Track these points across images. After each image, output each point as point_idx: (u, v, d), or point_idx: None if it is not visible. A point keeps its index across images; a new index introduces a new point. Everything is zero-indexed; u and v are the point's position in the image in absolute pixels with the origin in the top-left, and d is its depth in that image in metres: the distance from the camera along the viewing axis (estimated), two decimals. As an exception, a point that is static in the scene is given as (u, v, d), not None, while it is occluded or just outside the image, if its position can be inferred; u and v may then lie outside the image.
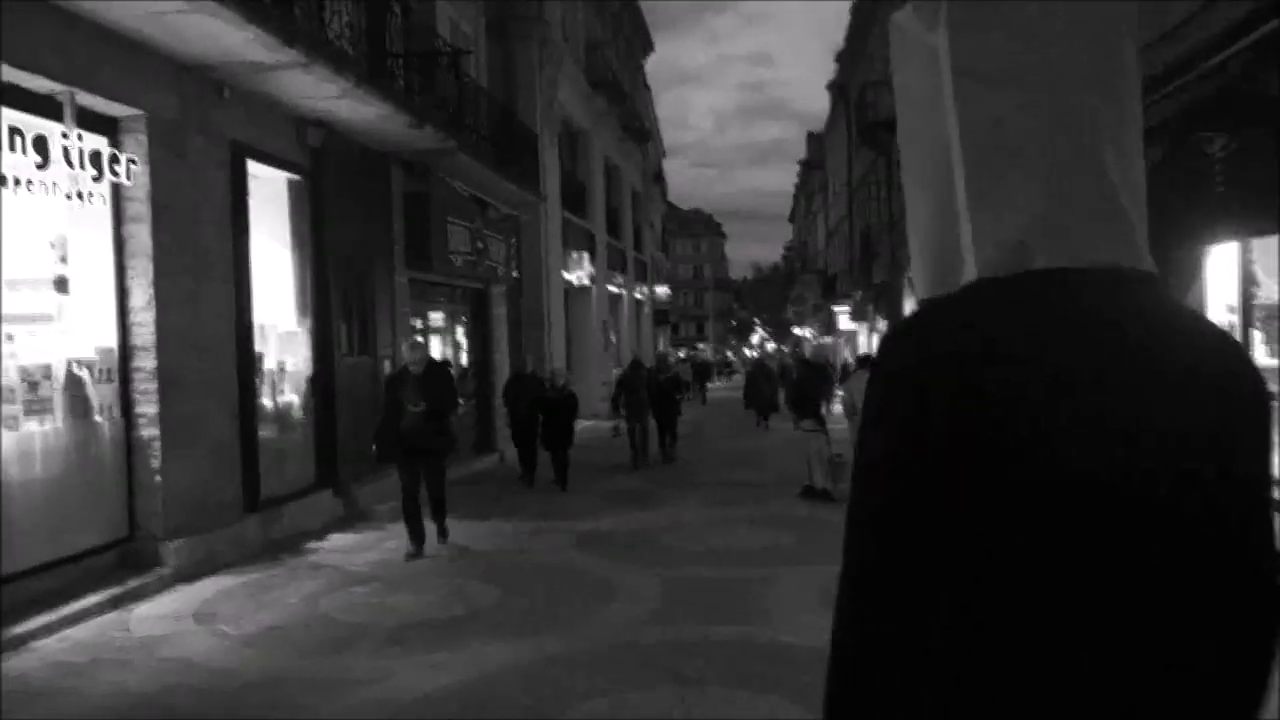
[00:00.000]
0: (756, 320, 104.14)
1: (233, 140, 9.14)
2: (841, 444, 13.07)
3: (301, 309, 10.64)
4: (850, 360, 36.51)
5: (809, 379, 12.51)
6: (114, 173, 7.50)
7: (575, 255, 24.85)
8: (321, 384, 10.70)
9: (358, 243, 11.68)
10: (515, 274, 17.47)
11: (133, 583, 7.50)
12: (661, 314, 43.31)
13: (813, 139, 63.92)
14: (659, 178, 49.44)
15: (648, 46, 40.76)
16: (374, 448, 9.14)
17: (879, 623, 1.07)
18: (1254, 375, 1.12)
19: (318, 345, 10.71)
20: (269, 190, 10.35)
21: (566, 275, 24.13)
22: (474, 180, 14.83)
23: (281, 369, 10.15)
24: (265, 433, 9.73)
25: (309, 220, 10.63)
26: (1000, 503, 1.00)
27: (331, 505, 10.61)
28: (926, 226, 1.23)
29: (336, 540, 9.83)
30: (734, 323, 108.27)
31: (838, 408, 17.82)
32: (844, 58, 41.79)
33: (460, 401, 10.28)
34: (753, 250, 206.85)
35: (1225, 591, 1.04)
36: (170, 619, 7.01)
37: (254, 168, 9.89)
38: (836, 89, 44.75)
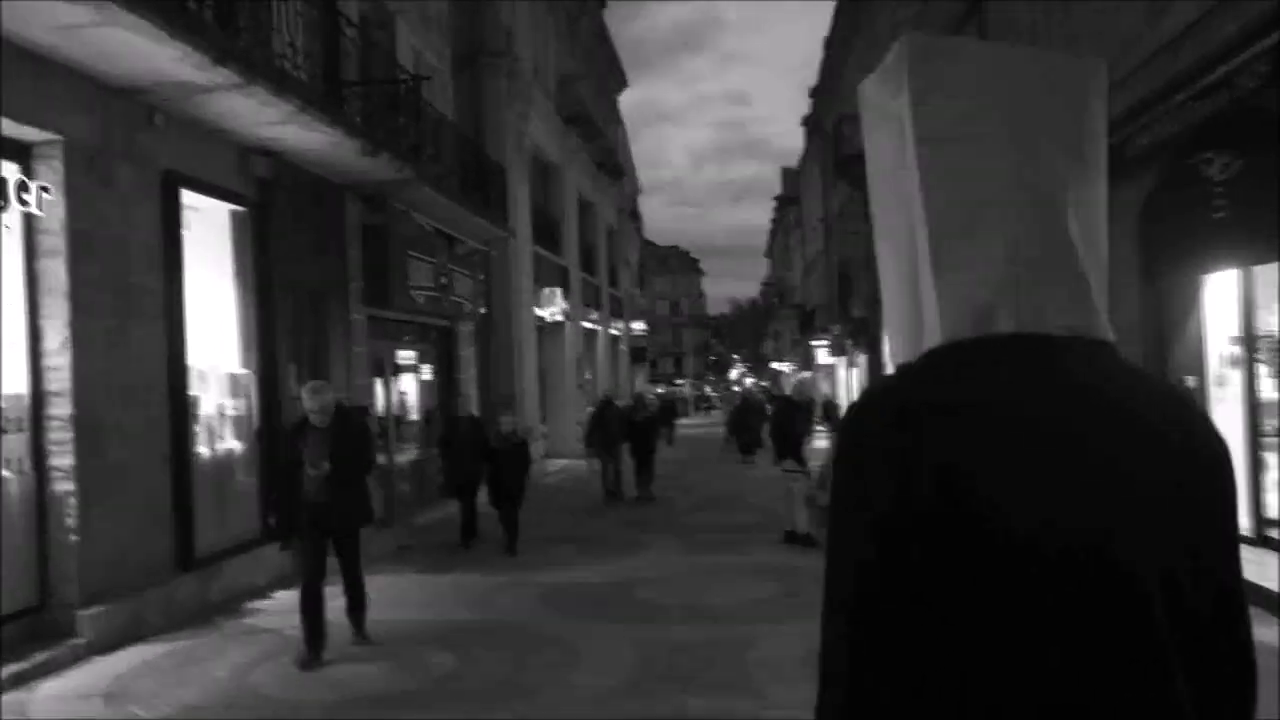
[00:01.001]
0: (736, 356, 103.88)
1: (166, 169, 8.47)
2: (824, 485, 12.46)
3: (246, 349, 9.92)
4: (830, 398, 36.07)
5: (790, 417, 11.86)
6: (22, 201, 6.81)
7: (547, 291, 24.24)
8: (268, 429, 9.96)
9: (310, 279, 11.01)
10: (484, 310, 16.80)
11: (40, 657, 6.71)
12: (638, 350, 42.70)
13: (788, 174, 64.00)
14: (634, 214, 49.07)
15: (621, 82, 40.51)
16: (267, 520, 7.13)
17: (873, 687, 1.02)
18: (1215, 437, 1.14)
19: (264, 388, 9.98)
20: (210, 222, 9.67)
21: (539, 311, 23.51)
22: (438, 214, 14.21)
23: (222, 414, 9.40)
24: (203, 483, 8.97)
25: (254, 255, 9.94)
26: (981, 567, 0.99)
27: (278, 560, 9.79)
28: (897, 291, 1.23)
29: (281, 599, 9.04)
30: (712, 358, 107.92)
31: (820, 442, 17.24)
32: (817, 92, 41.79)
33: (375, 461, 8.05)
34: (731, 287, 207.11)
35: (1208, 655, 1.06)
36: (76, 699, 6.22)
37: (193, 199, 9.22)
38: (811, 124, 44.70)
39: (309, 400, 7.12)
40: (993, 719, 0.97)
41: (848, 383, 34.09)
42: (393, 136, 11.48)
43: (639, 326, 42.18)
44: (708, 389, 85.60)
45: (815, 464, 12.13)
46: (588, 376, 28.38)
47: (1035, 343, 1.10)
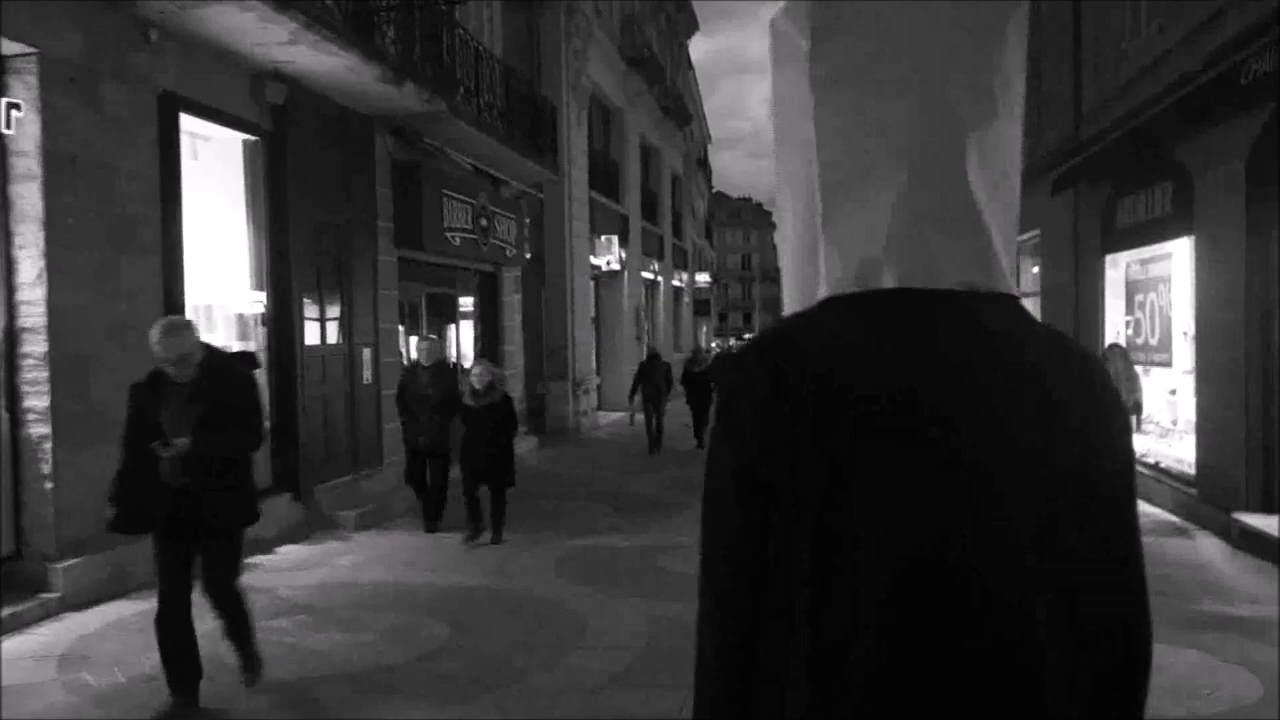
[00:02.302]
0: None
1: (163, 92, 7.85)
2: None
3: (258, 288, 9.36)
4: None
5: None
6: (-13, 118, 6.25)
7: (604, 239, 23.44)
8: (281, 373, 9.42)
9: (334, 216, 10.39)
10: (529, 255, 16.09)
11: (6, 611, 6.26)
12: (702, 304, 41.76)
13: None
14: (703, 163, 47.84)
15: (691, 26, 39.16)
16: (110, 510, 4.98)
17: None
18: (1111, 397, 1.11)
19: (277, 330, 9.43)
20: (221, 152, 9.10)
21: (594, 259, 22.75)
22: (478, 152, 13.49)
23: (227, 356, 8.85)
24: (204, 430, 8.45)
25: (268, 187, 9.33)
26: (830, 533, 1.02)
27: (289, 511, 9.33)
28: (794, 240, 1.22)
29: (285, 554, 8.56)
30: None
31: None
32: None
33: (261, 432, 5.19)
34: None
35: (1086, 595, 1.06)
36: (30, 661, 5.74)
37: (201, 126, 8.64)
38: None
39: (159, 344, 4.83)
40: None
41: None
42: (421, 65, 10.72)
43: (703, 279, 41.18)
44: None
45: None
46: (645, 328, 27.57)
47: (913, 298, 1.08)
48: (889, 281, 1.09)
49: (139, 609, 6.80)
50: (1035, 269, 17.56)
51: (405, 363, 11.48)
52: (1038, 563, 1.02)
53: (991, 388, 1.05)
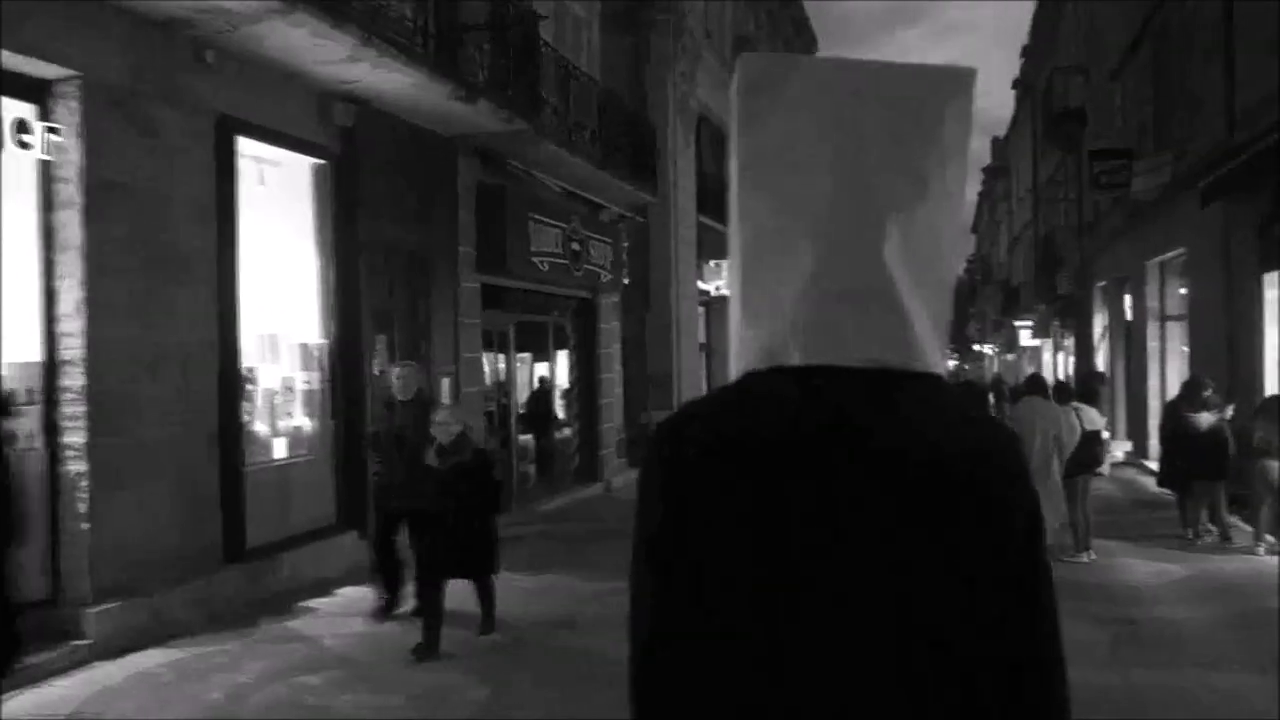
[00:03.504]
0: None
1: (221, 115, 7.59)
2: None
3: (325, 317, 9.02)
4: (1003, 379, 32.43)
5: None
6: (22, 144, 6.02)
7: (714, 264, 22.68)
8: (348, 406, 9.04)
9: (409, 241, 10.03)
10: (626, 281, 15.51)
11: (35, 659, 5.93)
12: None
13: (996, 144, 59.53)
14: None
15: (810, 47, 38.25)
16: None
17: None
18: (993, 481, 1.10)
19: (344, 360, 9.06)
20: (288, 177, 8.81)
21: (702, 284, 22.03)
22: (569, 175, 13.00)
23: (289, 388, 8.52)
24: (262, 464, 8.11)
25: (335, 213, 9.01)
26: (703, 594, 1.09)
27: (356, 550, 8.89)
28: (732, 314, 1.23)
29: (343, 596, 8.09)
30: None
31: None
32: (1029, 52, 38.01)
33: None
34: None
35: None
36: (35, 718, 5.37)
37: (266, 150, 8.36)
38: (1021, 86, 40.81)
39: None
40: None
41: (1054, 369, 30.75)
42: (503, 84, 10.28)
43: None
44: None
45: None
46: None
47: (804, 377, 1.10)
48: (795, 359, 1.11)
49: (174, 657, 6.44)
50: (1182, 290, 15.99)
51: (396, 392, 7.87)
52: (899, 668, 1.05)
53: (857, 476, 1.06)
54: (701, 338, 22.19)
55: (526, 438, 13.60)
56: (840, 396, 1.09)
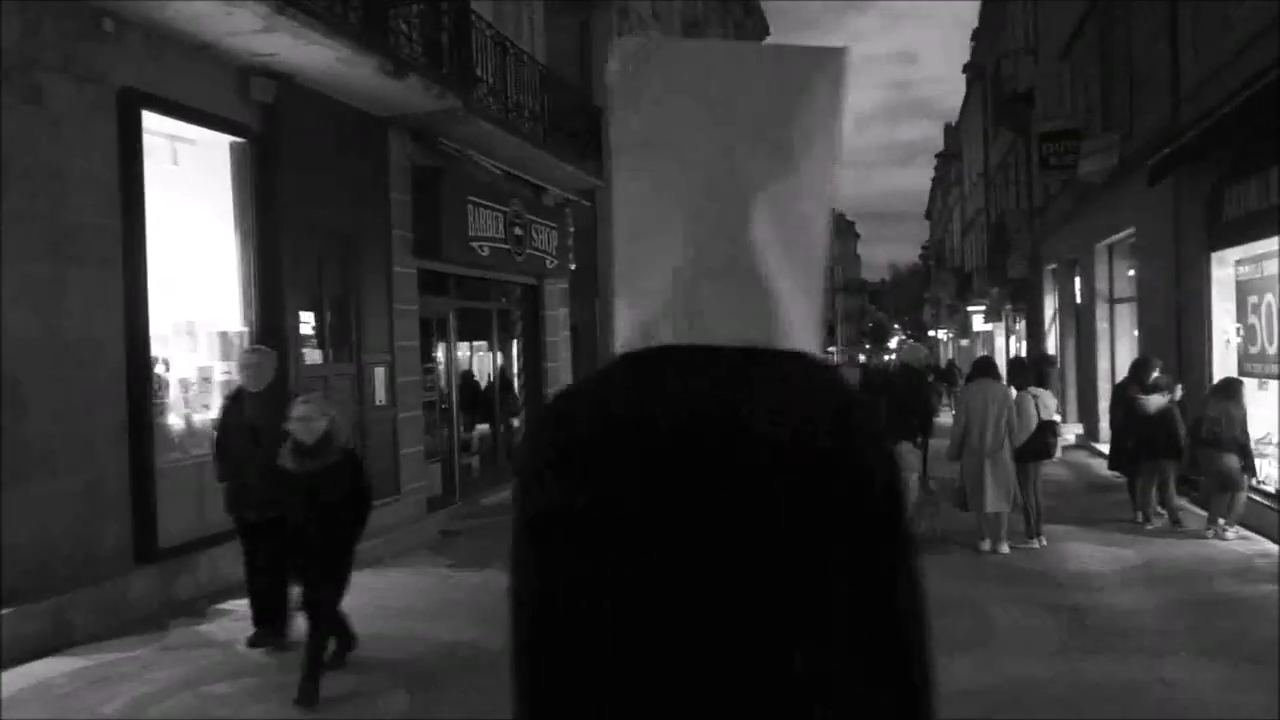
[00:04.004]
0: (898, 325, 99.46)
1: (123, 88, 7.11)
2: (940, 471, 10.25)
3: (247, 304, 8.57)
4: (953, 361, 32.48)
5: (914, 389, 9.70)
6: (-109, 115, 5.54)
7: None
8: (272, 396, 8.58)
9: (337, 225, 9.58)
10: (573, 266, 15.15)
11: (-84, 673, 5.49)
12: (777, 316, 40.34)
13: (950, 130, 59.81)
14: (778, 171, 46.54)
15: (762, 30, 38.01)
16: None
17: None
18: (859, 458, 1.10)
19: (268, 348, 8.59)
20: (205, 156, 8.34)
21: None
22: (510, 156, 12.59)
23: (206, 378, 8.07)
24: (176, 459, 7.67)
25: (256, 194, 8.55)
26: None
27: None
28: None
29: (266, 599, 7.68)
30: (869, 325, 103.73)
31: (946, 419, 14.90)
32: (979, 35, 38.11)
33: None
34: (895, 252, 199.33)
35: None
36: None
37: (179, 127, 7.90)
38: (971, 70, 40.95)
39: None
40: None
41: (1006, 353, 30.87)
42: (436, 60, 9.86)
43: (778, 290, 39.73)
44: (861, 358, 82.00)
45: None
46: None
47: (667, 355, 1.13)
48: (667, 338, 1.13)
49: (75, 666, 6.01)
50: (1131, 271, 15.99)
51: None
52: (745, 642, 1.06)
53: (721, 454, 1.08)
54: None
55: (483, 427, 13.23)
56: (705, 376, 1.11)
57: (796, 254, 1.16)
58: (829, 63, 1.17)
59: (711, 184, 1.13)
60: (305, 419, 5.34)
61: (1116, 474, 10.99)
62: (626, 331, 1.17)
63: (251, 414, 6.22)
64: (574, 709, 1.10)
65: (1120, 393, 10.54)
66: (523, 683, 1.13)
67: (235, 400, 6.45)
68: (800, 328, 1.16)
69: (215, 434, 6.60)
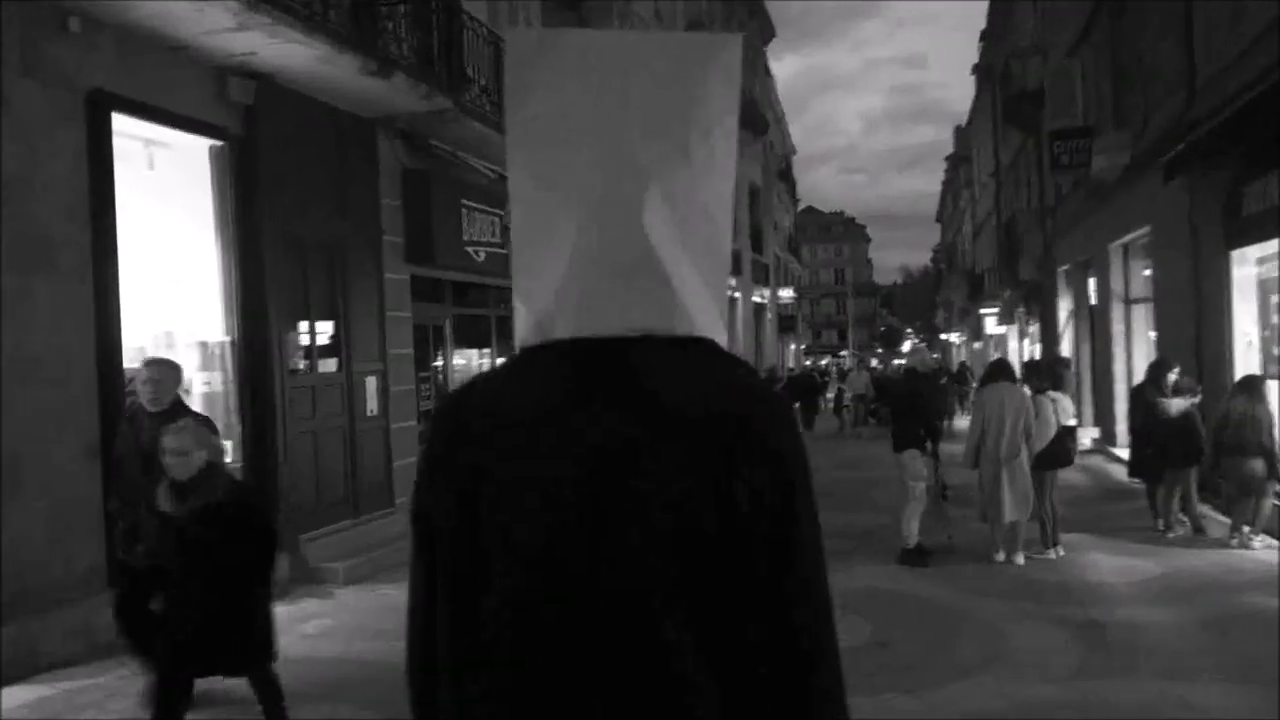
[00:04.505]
0: (910, 329, 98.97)
1: (92, 89, 6.84)
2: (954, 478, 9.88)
3: (229, 313, 8.30)
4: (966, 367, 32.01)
5: (919, 394, 9.33)
6: None
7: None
8: (256, 408, 8.33)
9: (323, 230, 9.30)
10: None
11: None
12: (787, 320, 40.04)
13: (959, 133, 59.44)
14: (785, 175, 46.21)
15: (768, 33, 37.79)
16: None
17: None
18: (747, 438, 1.09)
19: (251, 359, 8.34)
20: (182, 160, 8.08)
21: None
22: (504, 158, 12.28)
23: (185, 391, 7.76)
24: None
25: (236, 199, 8.28)
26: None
27: (267, 567, 8.18)
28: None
29: (247, 620, 7.38)
30: (882, 329, 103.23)
31: (962, 423, 14.54)
32: (987, 35, 37.71)
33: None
34: (905, 256, 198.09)
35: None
36: None
37: (150, 130, 7.63)
38: (980, 71, 40.54)
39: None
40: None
41: (1020, 356, 30.45)
42: (424, 59, 9.58)
43: (787, 294, 39.41)
44: (874, 361, 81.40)
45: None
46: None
47: (571, 350, 1.12)
48: (561, 332, 1.12)
49: (38, 695, 5.73)
50: (1147, 271, 15.58)
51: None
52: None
53: (619, 444, 1.07)
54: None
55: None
56: (601, 367, 1.11)
57: (696, 243, 1.15)
58: (722, 51, 1.16)
59: (605, 174, 1.11)
60: (178, 452, 4.21)
61: (1136, 480, 10.60)
62: (523, 329, 1.16)
63: (148, 438, 4.93)
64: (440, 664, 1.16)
65: (1139, 396, 10.16)
66: (410, 647, 1.23)
67: (131, 422, 5.40)
68: (703, 316, 1.14)
69: (113, 460, 5.67)
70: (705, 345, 1.14)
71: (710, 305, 1.16)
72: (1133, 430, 10.38)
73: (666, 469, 1.06)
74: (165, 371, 5.24)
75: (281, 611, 7.43)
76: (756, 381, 1.17)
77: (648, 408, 1.08)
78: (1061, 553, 8.83)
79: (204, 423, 4.89)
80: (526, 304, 1.16)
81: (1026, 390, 9.08)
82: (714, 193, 1.17)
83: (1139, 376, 15.79)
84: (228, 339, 8.24)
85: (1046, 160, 18.68)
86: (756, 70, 35.62)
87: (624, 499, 1.06)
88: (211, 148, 8.20)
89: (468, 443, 1.12)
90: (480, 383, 1.22)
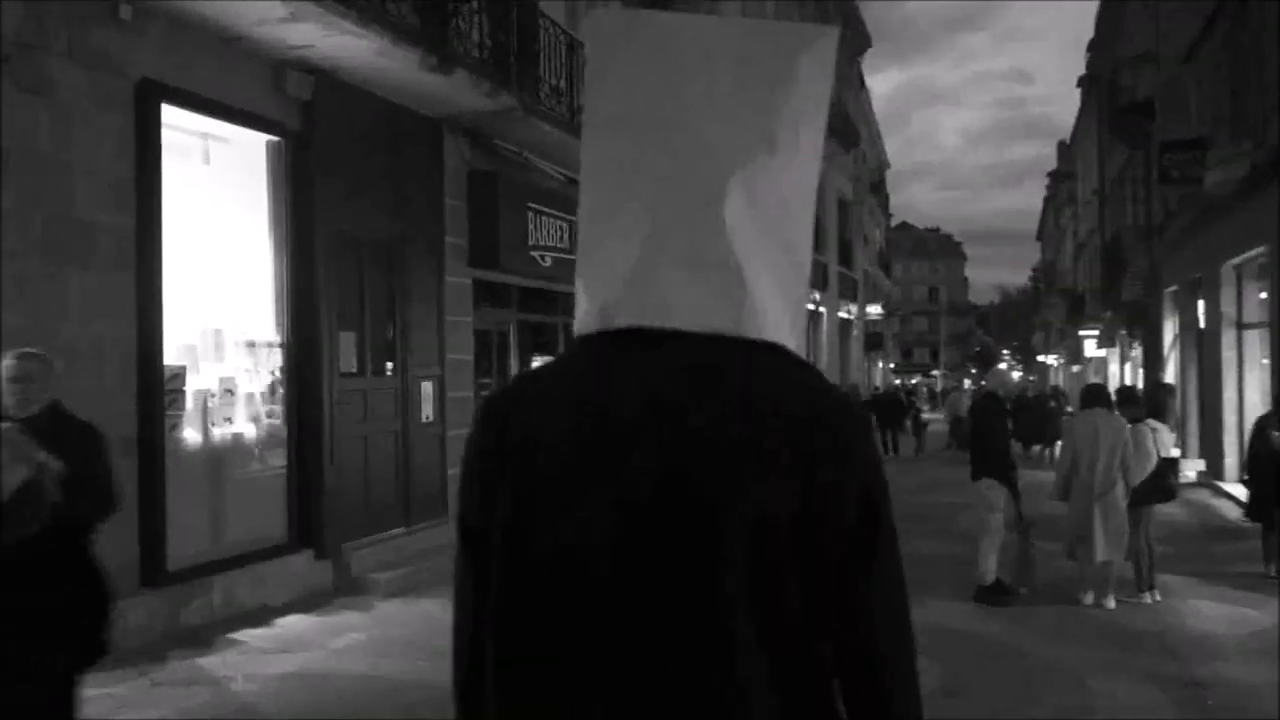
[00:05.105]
0: (1006, 350, 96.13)
1: (142, 79, 6.70)
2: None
3: (280, 312, 8.10)
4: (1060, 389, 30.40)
5: (993, 418, 8.62)
6: None
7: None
8: (304, 411, 8.11)
9: (385, 230, 9.08)
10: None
11: None
12: (874, 337, 39.00)
13: (1063, 148, 57.43)
14: (878, 188, 45.15)
15: (863, 43, 36.93)
16: None
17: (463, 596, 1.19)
18: (818, 447, 1.03)
19: (301, 360, 8.13)
20: (240, 156, 7.92)
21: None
22: (576, 160, 11.98)
23: (229, 390, 7.59)
24: (191, 475, 7.19)
25: (291, 195, 8.09)
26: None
27: (310, 572, 7.97)
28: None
29: (281, 627, 7.13)
30: (977, 349, 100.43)
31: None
32: (1094, 45, 36.21)
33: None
34: (1003, 275, 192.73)
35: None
36: None
37: (205, 123, 7.49)
38: (1087, 81, 38.97)
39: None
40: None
41: (1121, 381, 28.97)
42: (498, 58, 9.29)
43: (874, 310, 38.38)
44: (968, 382, 79.18)
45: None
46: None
47: (631, 344, 1.07)
48: (623, 320, 1.08)
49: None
50: (1262, 294, 14.49)
51: None
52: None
53: (676, 452, 1.02)
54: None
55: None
56: (662, 368, 1.05)
57: (771, 242, 1.09)
58: (816, 42, 1.12)
59: (684, 161, 1.07)
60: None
61: (1249, 520, 9.69)
62: (583, 315, 1.13)
63: None
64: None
65: (1261, 429, 9.29)
66: (460, 699, 1.22)
67: None
68: (774, 320, 1.09)
69: None
70: (776, 349, 1.09)
71: (783, 312, 1.10)
72: (1251, 467, 9.48)
73: (742, 469, 1.01)
74: (32, 367, 3.68)
75: (314, 623, 7.24)
76: (830, 386, 1.11)
77: (722, 405, 1.02)
78: (1158, 597, 8.04)
79: (84, 431, 3.62)
80: (589, 290, 1.11)
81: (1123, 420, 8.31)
82: (797, 189, 1.11)
83: (1250, 407, 14.70)
84: (278, 338, 8.05)
85: (1155, 174, 17.63)
86: (850, 80, 34.81)
87: (693, 501, 1.01)
88: (268, 143, 8.03)
89: (515, 442, 1.09)
90: (530, 379, 1.18)
